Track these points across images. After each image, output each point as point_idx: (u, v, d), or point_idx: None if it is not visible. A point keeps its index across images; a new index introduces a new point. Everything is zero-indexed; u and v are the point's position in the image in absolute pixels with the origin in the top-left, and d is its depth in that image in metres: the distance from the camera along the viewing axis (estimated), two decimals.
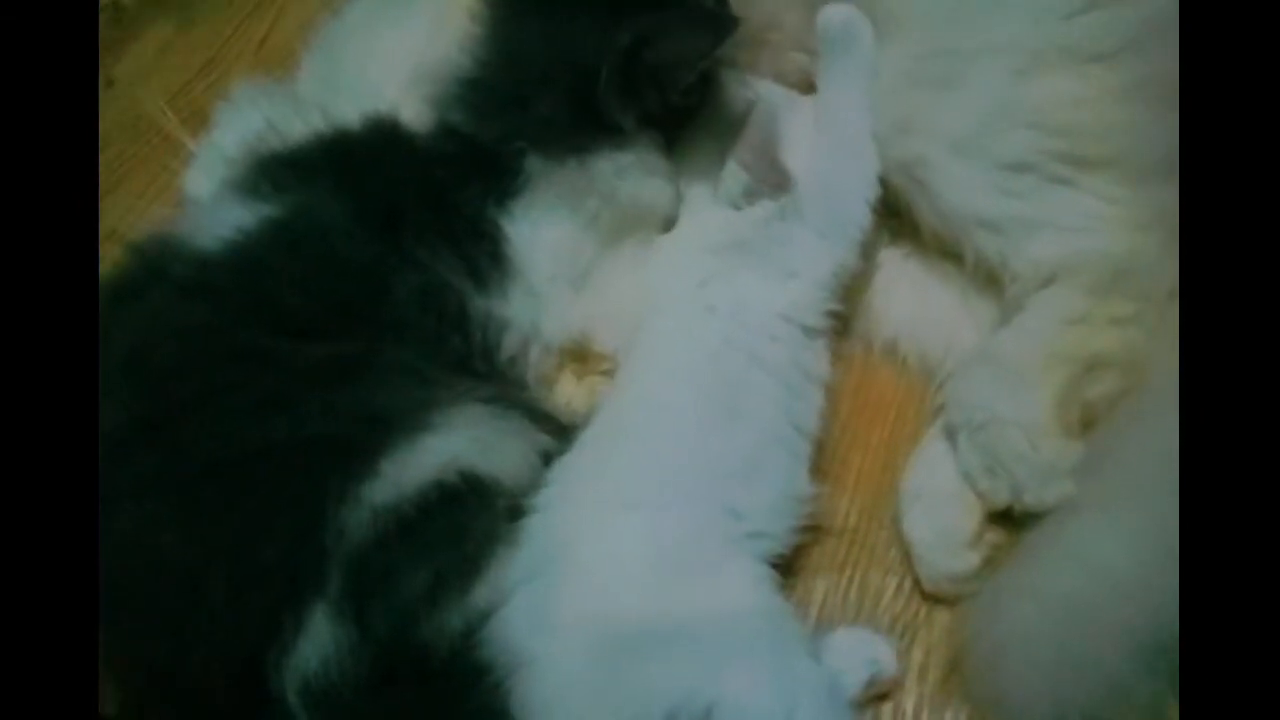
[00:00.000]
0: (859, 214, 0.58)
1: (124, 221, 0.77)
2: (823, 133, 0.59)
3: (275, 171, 0.56)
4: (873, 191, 0.58)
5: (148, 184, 0.79)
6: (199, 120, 0.78)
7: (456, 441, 0.50)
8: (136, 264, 0.54)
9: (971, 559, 0.54)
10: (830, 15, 0.59)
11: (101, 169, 0.81)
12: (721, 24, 0.54)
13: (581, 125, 0.55)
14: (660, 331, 0.57)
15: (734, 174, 0.58)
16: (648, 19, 0.53)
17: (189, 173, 0.71)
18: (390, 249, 0.53)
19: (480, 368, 0.55)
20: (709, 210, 0.59)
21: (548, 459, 0.54)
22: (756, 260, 0.57)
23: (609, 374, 0.59)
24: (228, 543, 0.47)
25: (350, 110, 0.63)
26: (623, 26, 0.53)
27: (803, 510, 0.55)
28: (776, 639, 0.47)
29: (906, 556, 0.56)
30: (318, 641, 0.47)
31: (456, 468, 0.50)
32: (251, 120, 0.68)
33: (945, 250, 0.61)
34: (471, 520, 0.50)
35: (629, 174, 0.56)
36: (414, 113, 0.59)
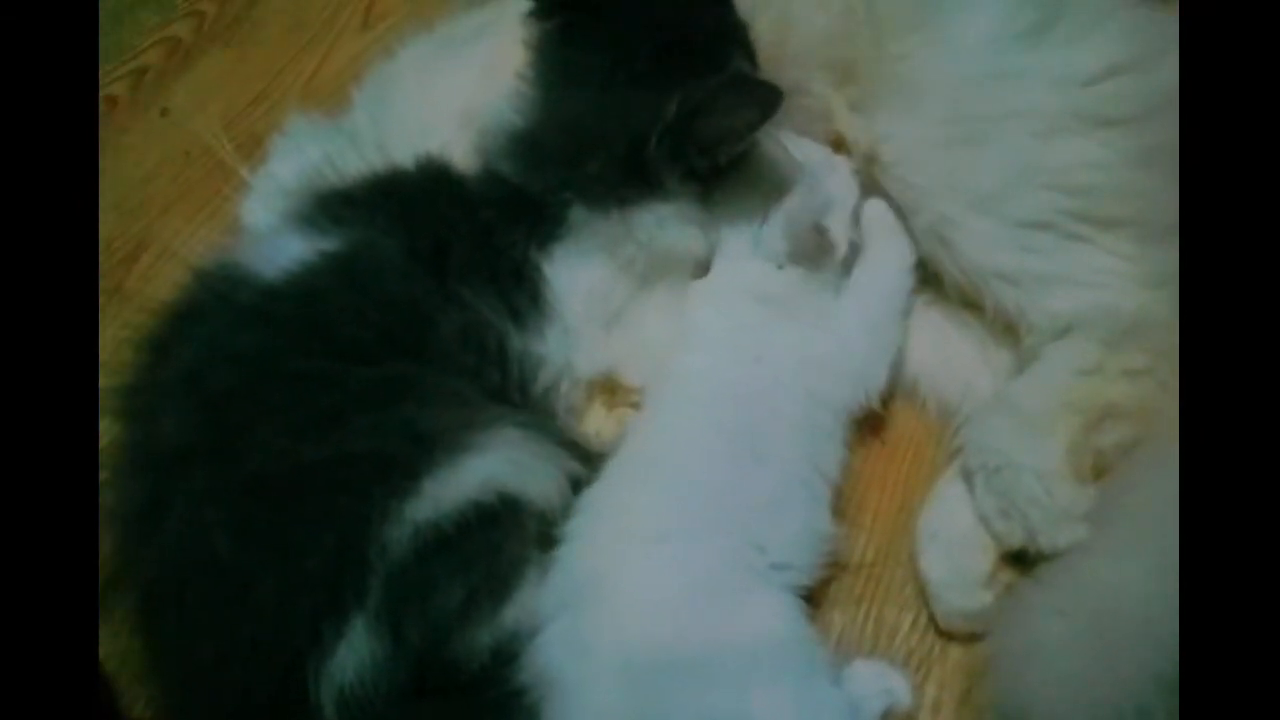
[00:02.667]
0: (879, 377, 0.61)
1: (176, 241, 0.81)
2: (853, 308, 0.62)
3: (333, 207, 0.59)
4: (892, 358, 0.62)
5: (199, 207, 0.82)
6: (250, 148, 0.82)
7: (494, 463, 0.52)
8: (200, 287, 0.57)
9: (985, 598, 0.56)
10: (872, 205, 0.64)
11: (155, 192, 0.85)
12: (769, 99, 0.56)
13: (628, 182, 0.57)
14: (690, 369, 0.59)
15: (775, 237, 0.60)
16: (697, 91, 0.55)
17: (246, 202, 0.73)
18: (437, 286, 0.56)
19: (515, 399, 0.57)
20: (748, 259, 0.61)
21: (576, 485, 0.56)
22: (788, 317, 0.60)
23: (637, 405, 0.61)
24: (276, 552, 0.49)
25: (400, 148, 0.66)
26: (673, 96, 0.55)
27: (825, 547, 0.56)
28: (802, 664, 0.49)
29: (922, 593, 0.58)
30: (355, 651, 0.49)
31: (493, 488, 0.51)
32: (307, 154, 0.72)
33: (965, 300, 0.63)
34: (504, 540, 0.52)
35: (667, 224, 0.59)
36: (462, 155, 0.62)
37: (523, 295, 0.57)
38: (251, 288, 0.55)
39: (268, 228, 0.66)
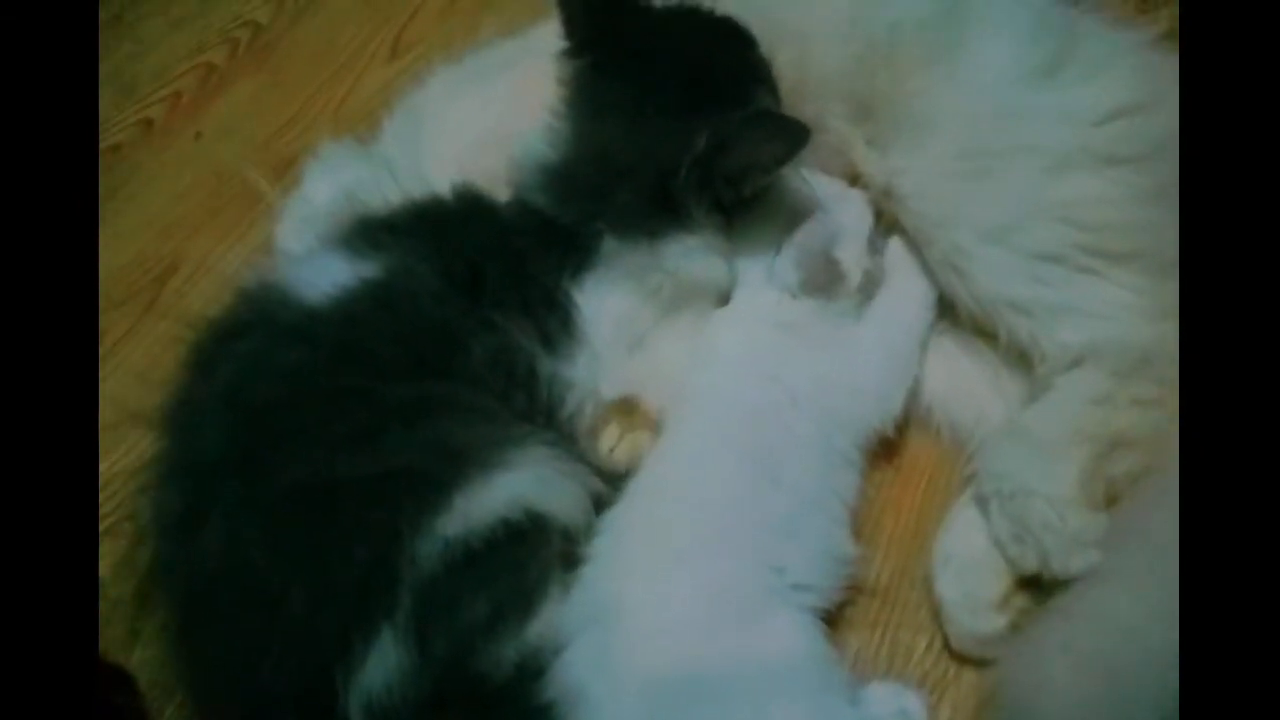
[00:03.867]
0: (895, 403, 0.62)
1: (207, 259, 0.83)
2: (873, 335, 0.63)
3: (373, 233, 0.60)
4: (909, 386, 0.63)
5: (230, 227, 0.84)
6: (281, 172, 0.84)
7: (523, 480, 0.53)
8: (244, 307, 0.58)
9: (999, 621, 0.57)
10: (894, 245, 0.66)
11: (188, 213, 0.87)
12: (796, 135, 0.58)
13: (656, 213, 0.59)
14: (707, 387, 0.61)
15: (789, 268, 0.62)
16: (725, 124, 0.57)
17: (280, 225, 0.75)
18: (471, 310, 0.57)
19: (540, 422, 0.58)
20: (766, 289, 0.63)
21: (599, 505, 0.58)
22: (806, 343, 0.61)
23: (652, 429, 0.62)
24: (309, 563, 0.50)
25: (430, 175, 0.68)
26: (700, 130, 0.57)
27: (844, 570, 0.57)
28: (819, 684, 0.50)
29: (936, 616, 0.59)
30: (383, 662, 0.50)
31: (521, 505, 0.53)
32: (339, 178, 0.74)
33: (979, 329, 0.64)
34: (531, 556, 0.53)
35: (694, 255, 0.60)
36: (491, 183, 0.63)
37: (554, 320, 0.59)
38: (294, 309, 0.56)
39: (304, 250, 0.68)
